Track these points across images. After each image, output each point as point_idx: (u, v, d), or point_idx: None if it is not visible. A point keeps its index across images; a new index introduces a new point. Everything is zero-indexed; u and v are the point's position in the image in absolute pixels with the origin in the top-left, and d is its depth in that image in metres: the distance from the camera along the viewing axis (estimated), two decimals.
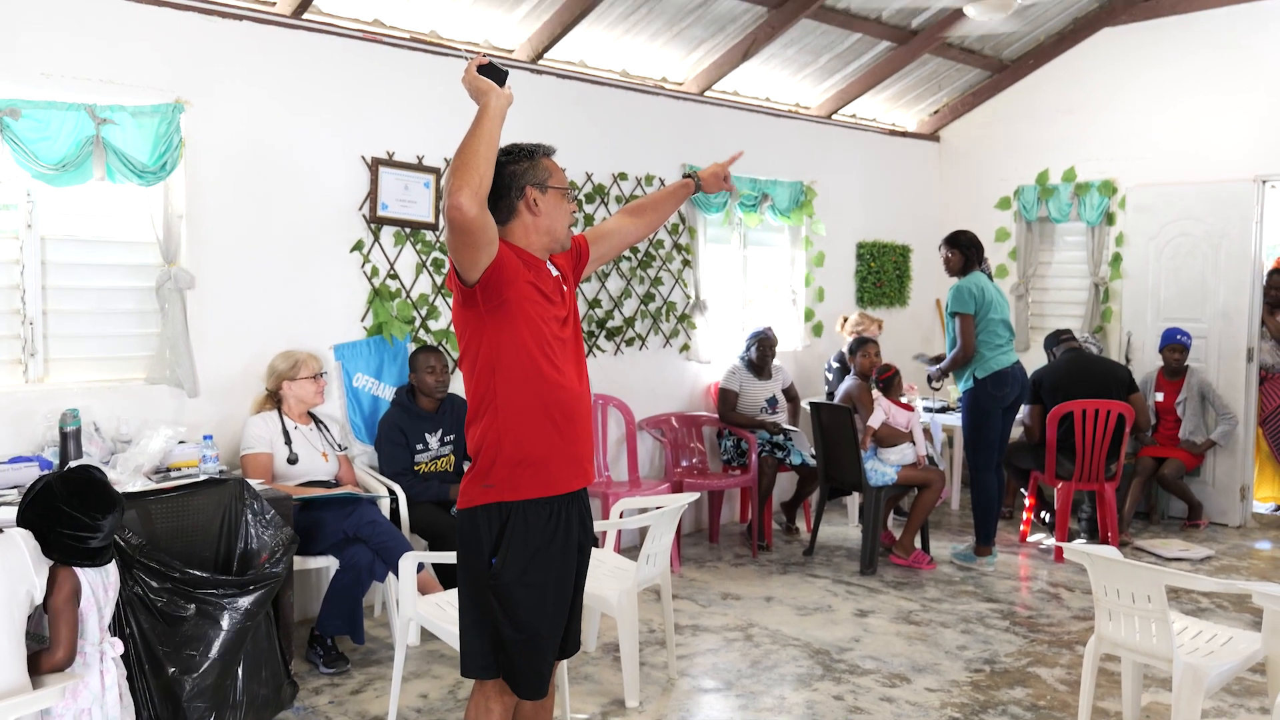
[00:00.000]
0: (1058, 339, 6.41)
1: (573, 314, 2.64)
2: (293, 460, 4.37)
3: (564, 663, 3.43)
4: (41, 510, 2.41)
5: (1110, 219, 7.28)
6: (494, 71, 2.41)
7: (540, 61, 5.60)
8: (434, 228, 5.17)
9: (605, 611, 3.95)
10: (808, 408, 6.29)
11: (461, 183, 2.25)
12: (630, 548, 5.70)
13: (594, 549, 4.36)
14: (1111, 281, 7.30)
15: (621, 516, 4.47)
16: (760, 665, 4.26)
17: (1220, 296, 6.64)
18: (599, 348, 5.98)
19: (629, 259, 6.09)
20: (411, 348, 5.10)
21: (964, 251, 5.70)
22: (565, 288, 2.63)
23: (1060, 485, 5.92)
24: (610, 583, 3.98)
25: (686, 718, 3.77)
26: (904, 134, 8.02)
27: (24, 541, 2.30)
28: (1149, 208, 6.93)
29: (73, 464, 3.76)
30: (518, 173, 2.53)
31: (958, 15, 6.28)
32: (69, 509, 2.41)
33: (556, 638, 2.59)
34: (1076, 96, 7.43)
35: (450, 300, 4.36)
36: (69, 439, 3.85)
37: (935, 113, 8.09)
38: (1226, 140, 6.71)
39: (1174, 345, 6.50)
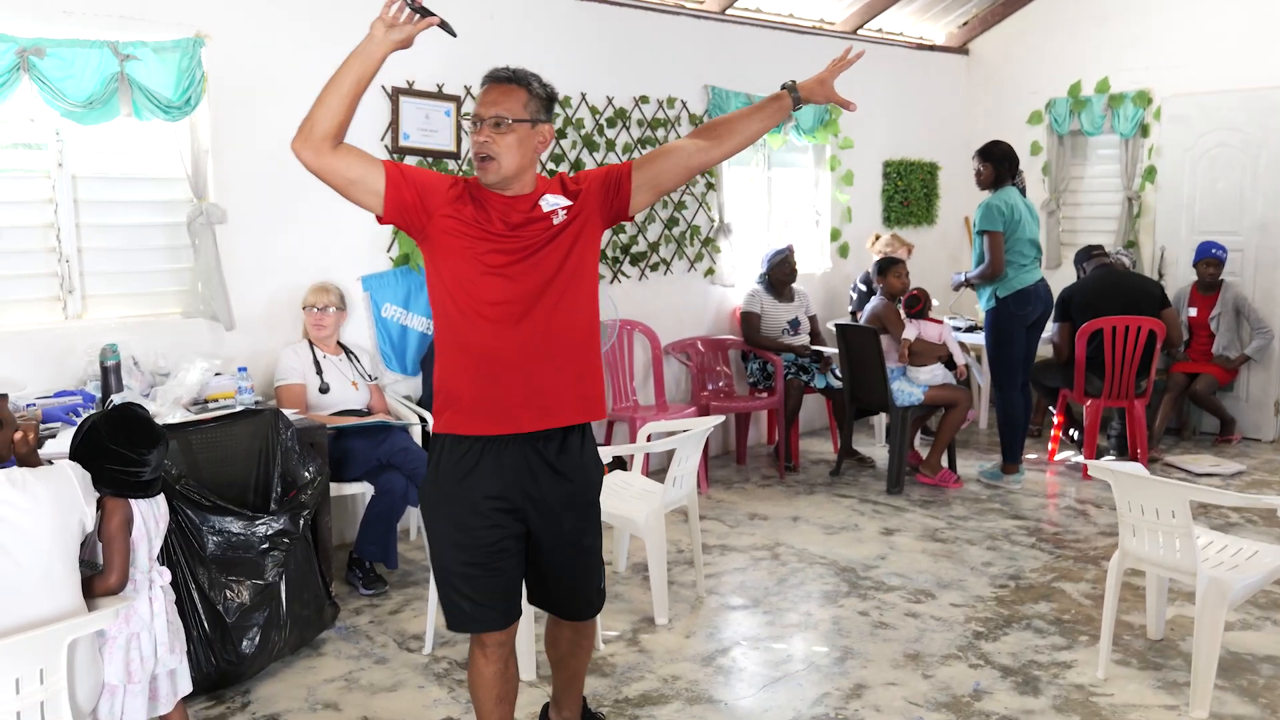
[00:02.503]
0: (1088, 254, 6.33)
1: (552, 249, 2.41)
2: (324, 390, 4.46)
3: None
4: (90, 448, 2.51)
5: (1145, 131, 7.13)
6: (423, 10, 2.25)
7: None
8: (456, 156, 5.17)
9: (633, 533, 4.04)
10: (833, 329, 6.29)
11: (299, 127, 2.23)
12: (658, 470, 5.78)
13: (622, 471, 4.50)
14: (1144, 195, 7.17)
15: (649, 440, 4.53)
16: (787, 583, 4.35)
17: (1258, 208, 6.51)
18: (624, 274, 6.00)
19: None
20: None
21: (996, 165, 5.59)
22: (555, 221, 2.42)
23: (1089, 403, 5.91)
24: (638, 504, 4.06)
25: (715, 633, 3.87)
26: (931, 48, 7.84)
27: (73, 472, 2.40)
28: (1185, 118, 6.77)
29: (114, 398, 3.87)
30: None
31: None
32: (115, 445, 2.50)
33: (473, 582, 2.44)
34: (1110, 4, 7.21)
35: None
36: (109, 373, 3.95)
37: (964, 24, 7.89)
38: (1266, 48, 6.52)
39: (1209, 259, 6.41)
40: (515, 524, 2.47)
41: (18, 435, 2.40)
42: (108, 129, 4.12)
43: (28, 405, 3.77)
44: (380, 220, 2.38)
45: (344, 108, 2.24)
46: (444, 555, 2.47)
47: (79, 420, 3.31)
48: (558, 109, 5.48)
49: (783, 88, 2.62)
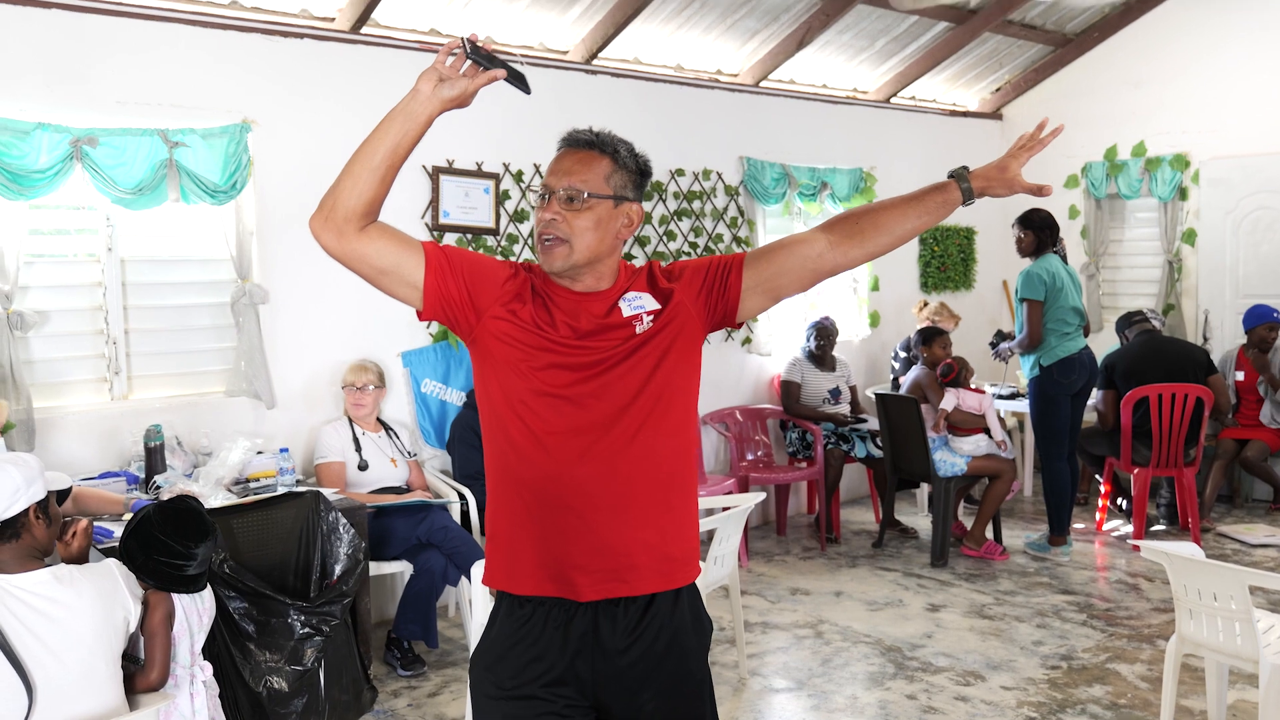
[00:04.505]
0: (1129, 321, 6.23)
1: (634, 365, 1.90)
2: (363, 467, 4.48)
3: None
4: (141, 539, 2.53)
5: (1183, 194, 7.07)
6: (487, 57, 1.84)
7: (594, 61, 5.61)
8: (494, 232, 5.23)
9: None
10: (872, 397, 6.23)
11: (319, 204, 1.83)
12: None
13: None
14: (1184, 258, 7.10)
15: None
16: (831, 663, 4.26)
17: None
18: None
19: (688, 254, 6.09)
20: None
21: (1036, 232, 5.57)
22: (639, 329, 1.91)
23: (1137, 471, 5.79)
24: None
25: (759, 719, 3.79)
26: (965, 114, 7.88)
27: (118, 570, 2.41)
28: (1225, 181, 6.72)
29: (157, 479, 3.91)
30: None
31: None
32: (165, 537, 2.52)
33: None
34: (1145, 69, 7.22)
35: None
36: (153, 454, 3.99)
37: (997, 90, 7.92)
38: None
39: (1271, 323, 6.27)
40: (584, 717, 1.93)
41: (68, 536, 2.41)
42: (156, 214, 4.21)
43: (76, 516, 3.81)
44: (420, 316, 1.94)
45: (376, 181, 1.81)
46: None
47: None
48: None
49: (950, 175, 2.08)
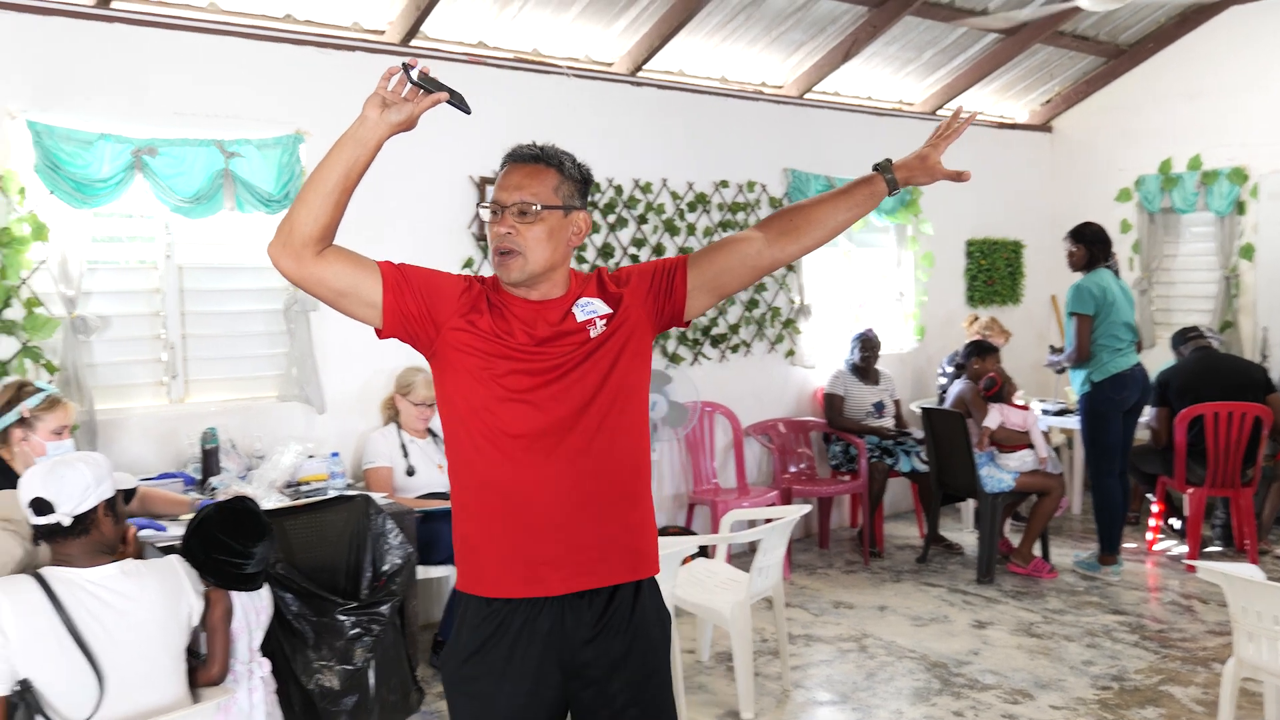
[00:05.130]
0: (1184, 337, 6.10)
1: (589, 368, 1.99)
2: (410, 473, 4.53)
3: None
4: (202, 538, 2.59)
5: (1241, 208, 6.94)
6: (430, 83, 1.87)
7: (639, 73, 5.65)
8: None
9: (718, 623, 3.98)
10: (917, 411, 6.18)
11: (277, 230, 1.87)
12: (738, 555, 5.71)
13: (704, 560, 4.45)
14: (1242, 274, 6.97)
15: (731, 529, 4.48)
16: (876, 678, 4.22)
17: None
18: (704, 355, 6.01)
19: None
20: None
21: (1089, 246, 5.50)
22: (593, 333, 2.01)
23: (1191, 491, 5.68)
24: (722, 594, 4.00)
25: None
26: (1013, 126, 7.81)
27: (181, 566, 2.46)
28: None
29: (212, 480, 3.99)
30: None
31: (1073, 11, 6.00)
32: (225, 537, 2.58)
33: None
34: (1202, 80, 7.10)
35: None
36: (209, 456, 4.08)
37: (1047, 102, 7.84)
38: None
39: None
40: (554, 710, 2.03)
41: (130, 532, 2.48)
42: (212, 222, 4.30)
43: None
44: (380, 334, 2.01)
45: (330, 206, 1.86)
46: None
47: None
48: (639, 195, 5.64)
49: (875, 168, 2.18)
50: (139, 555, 2.53)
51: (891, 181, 2.18)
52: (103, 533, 2.33)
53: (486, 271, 5.09)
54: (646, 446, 2.10)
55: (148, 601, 2.30)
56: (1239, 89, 6.92)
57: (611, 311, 2.04)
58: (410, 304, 1.95)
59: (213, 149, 4.20)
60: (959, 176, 2.22)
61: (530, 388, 1.96)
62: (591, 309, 2.03)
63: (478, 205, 1.87)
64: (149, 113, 4.14)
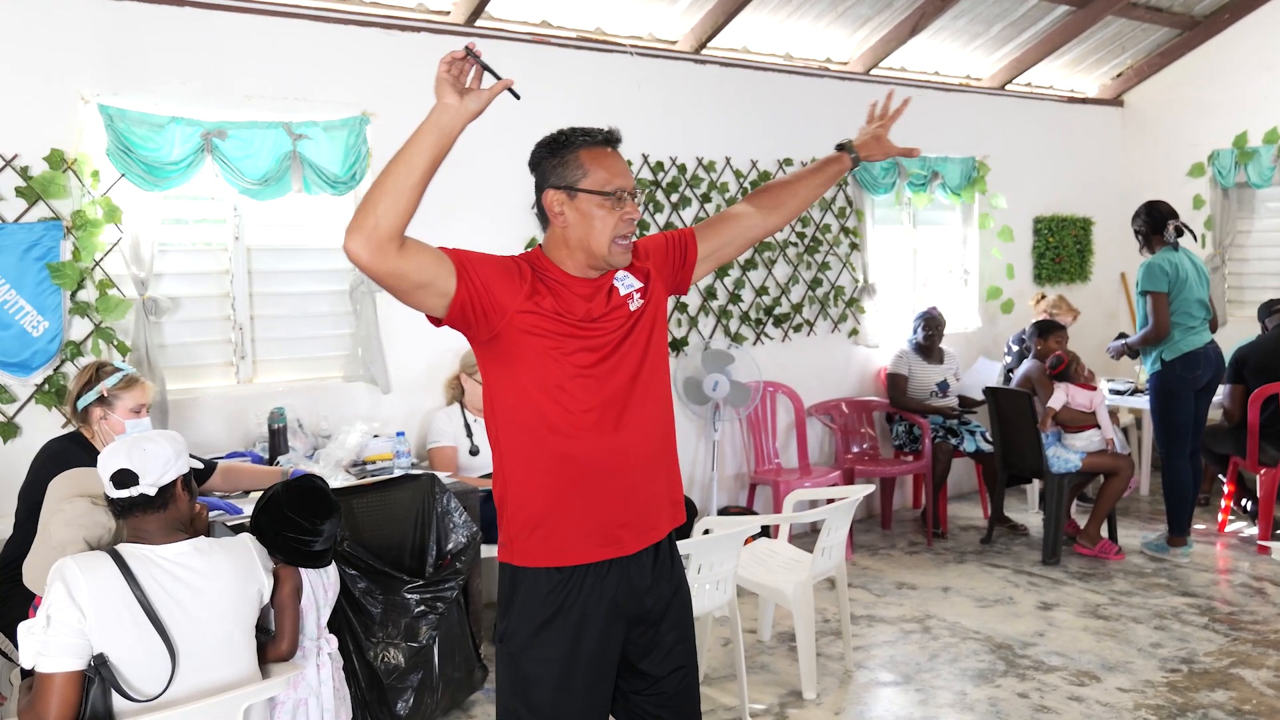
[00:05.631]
0: (1270, 309, 5.87)
1: (634, 340, 2.11)
2: (474, 452, 4.58)
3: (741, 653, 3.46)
4: (271, 515, 2.64)
5: None
6: (492, 72, 1.91)
7: (703, 51, 5.60)
8: None
9: (780, 603, 3.98)
10: (981, 393, 6.09)
11: (355, 223, 1.82)
12: (800, 535, 5.69)
13: (766, 539, 4.44)
14: None
15: (794, 509, 4.47)
16: (939, 659, 4.19)
17: None
18: (767, 335, 5.97)
19: (795, 244, 6.04)
20: None
21: (1147, 225, 5.40)
22: (632, 306, 2.12)
23: (1264, 472, 5.53)
24: (785, 574, 4.00)
25: (865, 711, 3.76)
26: (1084, 100, 7.61)
27: (252, 544, 2.52)
28: None
29: (280, 459, 4.07)
30: (543, 172, 2.09)
31: None
32: (293, 514, 2.63)
33: None
34: (1278, 51, 6.85)
35: None
36: (277, 435, 4.16)
37: (1118, 76, 7.63)
38: None
39: None
40: (617, 657, 2.16)
41: (201, 510, 2.54)
42: (280, 204, 4.37)
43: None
44: (437, 323, 2.01)
45: (416, 197, 1.85)
46: (556, 708, 2.08)
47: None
48: (702, 174, 5.61)
49: (838, 148, 2.49)
50: (209, 533, 2.59)
51: (855, 159, 2.48)
52: (179, 508, 2.39)
53: None
54: (671, 403, 2.25)
55: (220, 578, 2.35)
56: None
57: (643, 285, 2.15)
58: (480, 292, 1.96)
59: (280, 131, 4.26)
60: (909, 152, 2.51)
61: (593, 363, 2.05)
62: (629, 283, 2.13)
63: (608, 192, 2.02)
64: (218, 96, 4.21)
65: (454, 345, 4.79)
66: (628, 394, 2.08)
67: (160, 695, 2.24)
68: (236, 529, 2.80)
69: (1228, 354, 5.70)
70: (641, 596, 2.13)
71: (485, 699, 3.86)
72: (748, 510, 5.65)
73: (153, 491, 2.33)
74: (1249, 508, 6.03)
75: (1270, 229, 7.08)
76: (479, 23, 4.86)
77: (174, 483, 2.38)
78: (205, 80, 4.19)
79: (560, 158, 2.08)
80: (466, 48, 1.87)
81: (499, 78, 1.88)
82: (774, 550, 4.29)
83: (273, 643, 2.58)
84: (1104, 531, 5.52)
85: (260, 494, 2.81)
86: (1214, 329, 5.46)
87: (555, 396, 2.03)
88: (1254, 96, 6.98)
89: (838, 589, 4.17)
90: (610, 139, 2.10)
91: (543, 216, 2.13)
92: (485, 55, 1.89)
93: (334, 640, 2.78)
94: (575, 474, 2.05)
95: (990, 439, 5.83)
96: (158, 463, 2.34)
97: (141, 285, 4.06)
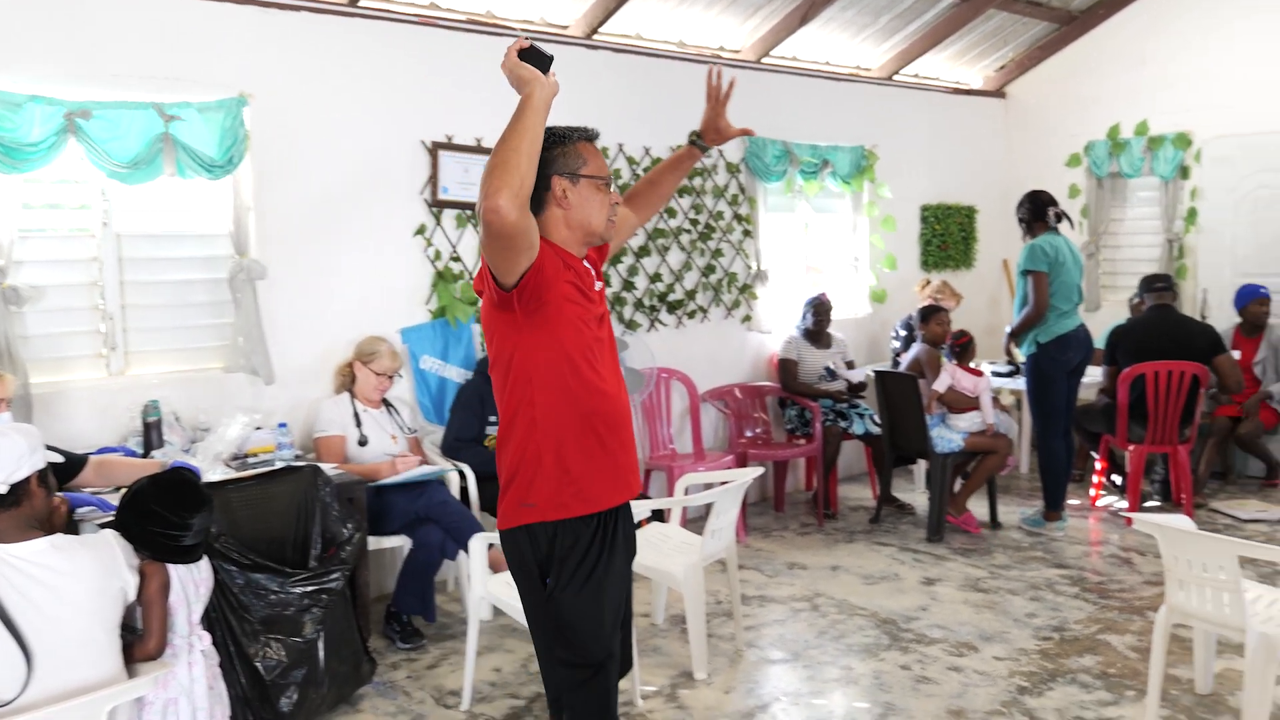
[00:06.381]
0: (1151, 285, 5.97)
1: (605, 311, 2.45)
2: (363, 442, 4.49)
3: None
4: (137, 510, 2.55)
5: (1185, 173, 7.06)
6: (537, 56, 2.17)
7: (595, 36, 5.59)
8: None
9: (672, 585, 4.01)
10: (872, 374, 6.24)
11: (500, 183, 2.01)
12: (695, 520, 5.74)
13: (659, 524, 4.48)
14: (1186, 237, 7.09)
15: (686, 492, 4.51)
16: (827, 635, 4.29)
17: None
18: (660, 321, 6.00)
19: (689, 232, 6.09)
20: (475, 329, 5.19)
21: (1029, 213, 5.60)
22: (599, 284, 2.43)
23: (1133, 448, 5.80)
24: (676, 557, 4.04)
25: (754, 689, 3.82)
26: (968, 92, 7.85)
27: (115, 541, 2.43)
28: (1227, 160, 6.70)
29: (155, 453, 3.93)
30: (546, 161, 2.26)
31: None
32: (160, 509, 2.54)
33: (618, 663, 2.44)
34: (1149, 47, 7.18)
35: None
36: (151, 429, 4.01)
37: (1001, 68, 7.89)
38: None
39: (1261, 299, 6.29)
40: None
41: (56, 501, 2.43)
42: (151, 188, 4.21)
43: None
44: (507, 289, 2.18)
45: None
46: (600, 646, 2.35)
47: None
48: None
49: (689, 140, 2.73)
50: (72, 530, 2.49)
51: (703, 147, 2.72)
52: (34, 505, 2.29)
53: (439, 240, 5.07)
54: None
55: (80, 577, 2.27)
56: (1184, 55, 7.02)
57: (594, 265, 2.43)
58: (546, 259, 2.20)
59: (151, 112, 4.10)
60: (745, 132, 2.73)
61: (599, 330, 2.37)
62: (589, 263, 2.41)
63: (603, 178, 2.35)
64: (83, 74, 4.02)
65: (344, 334, 4.70)
66: (615, 358, 2.42)
67: (15, 700, 2.15)
68: (108, 527, 2.69)
69: (1097, 336, 5.96)
70: (634, 532, 2.51)
71: (375, 693, 3.81)
72: (641, 495, 5.67)
73: (4, 489, 2.23)
74: (1119, 482, 6.32)
75: (1141, 217, 7.41)
76: (363, 3, 4.75)
77: (28, 479, 2.28)
78: (68, 58, 3.99)
79: (564, 148, 2.32)
80: (529, 39, 2.21)
81: (546, 59, 2.19)
82: (666, 534, 4.33)
83: (140, 641, 2.50)
84: (986, 509, 5.73)
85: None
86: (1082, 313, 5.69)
87: (588, 358, 2.30)
88: (1127, 89, 7.30)
89: (728, 570, 4.23)
90: (595, 135, 2.41)
91: (536, 202, 2.27)
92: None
93: (207, 637, 2.70)
94: (601, 428, 2.32)
95: (878, 421, 5.98)
96: (9, 458, 2.24)
97: (1, 273, 3.87)
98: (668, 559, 4.04)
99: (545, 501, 2.30)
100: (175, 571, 2.59)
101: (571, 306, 2.28)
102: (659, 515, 4.92)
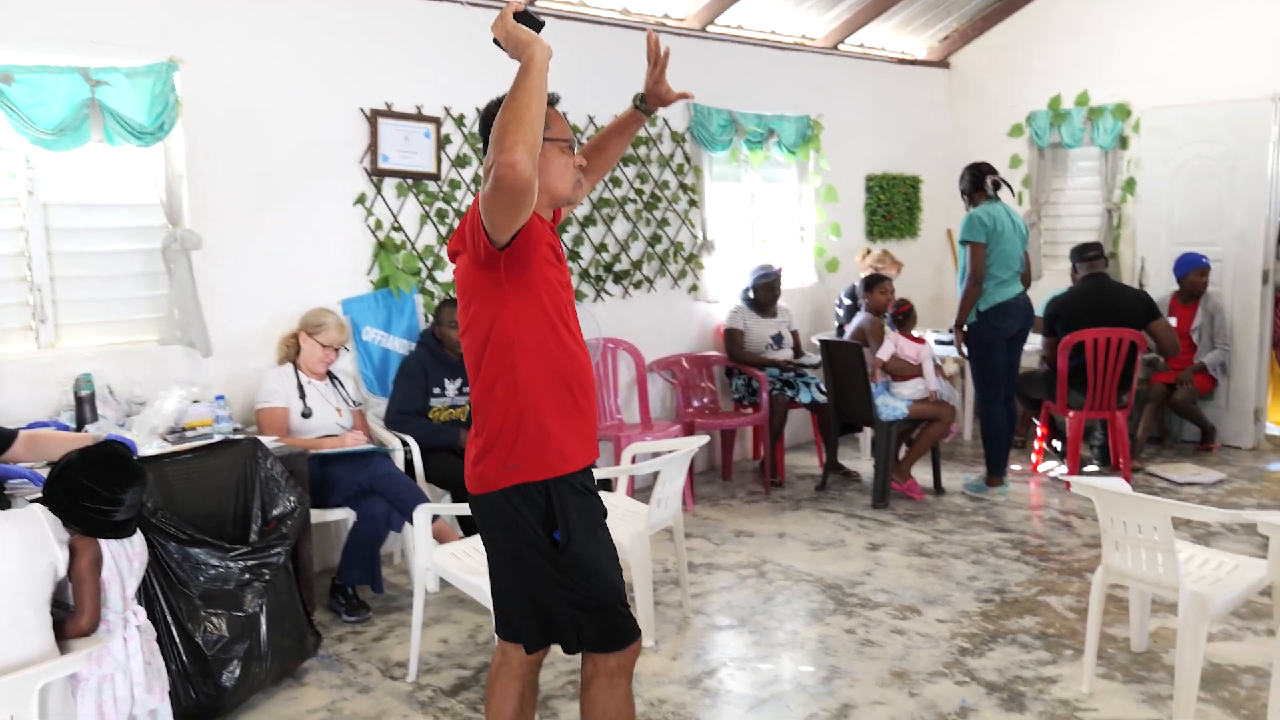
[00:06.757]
0: (1083, 254, 6.07)
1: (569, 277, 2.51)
2: (307, 415, 4.42)
3: None
4: (65, 484, 2.47)
5: (1124, 143, 7.17)
6: (529, 20, 2.19)
7: (538, 3, 5.51)
8: (436, 178, 5.15)
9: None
10: (816, 343, 6.28)
11: (516, 138, 2.04)
12: (643, 489, 5.76)
13: (606, 493, 4.47)
14: (1125, 207, 7.21)
15: (634, 461, 4.51)
16: (773, 601, 4.33)
17: (1236, 220, 6.54)
18: (607, 292, 5.98)
19: (634, 201, 6.05)
20: (418, 300, 5.13)
21: (970, 184, 5.66)
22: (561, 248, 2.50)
23: (1072, 414, 5.92)
24: (623, 526, 4.03)
25: (701, 655, 3.85)
26: (913, 62, 7.88)
27: (44, 515, 2.36)
28: (1165, 130, 6.80)
29: (89, 428, 3.83)
30: None
31: None
32: (90, 483, 2.47)
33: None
34: (1090, 18, 7.26)
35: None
36: (84, 403, 3.91)
37: (945, 39, 7.93)
38: (1244, 60, 6.57)
39: (1201, 269, 6.43)
40: None
41: None
42: (79, 155, 4.08)
43: None
44: (499, 248, 2.20)
45: None
46: (615, 579, 2.47)
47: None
48: None
49: (633, 104, 2.74)
50: (3, 504, 2.42)
51: (646, 110, 2.74)
52: None
53: (380, 209, 4.98)
54: None
55: (6, 554, 2.20)
56: (1122, 26, 7.11)
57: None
58: (535, 218, 2.25)
59: (76, 77, 3.96)
60: (685, 96, 2.72)
61: (569, 293, 2.42)
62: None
63: (567, 140, 2.41)
64: (4, 35, 3.87)
65: (283, 305, 4.61)
66: (578, 322, 2.44)
67: None
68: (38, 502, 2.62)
69: (1039, 306, 6.05)
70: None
71: (320, 665, 3.77)
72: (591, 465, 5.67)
73: None
74: (1060, 448, 6.45)
75: (1081, 187, 7.52)
76: None
77: None
78: None
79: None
80: (524, 6, 2.20)
81: (539, 23, 2.22)
82: (612, 504, 4.29)
83: (72, 618, 2.44)
84: (930, 475, 5.81)
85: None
86: (1026, 284, 5.77)
87: (564, 319, 2.35)
88: (1067, 60, 7.38)
89: (675, 538, 4.25)
90: (557, 99, 2.40)
91: None
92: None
93: (142, 612, 2.65)
94: (576, 388, 2.37)
95: (824, 390, 6.03)
96: None
97: None
98: (614, 528, 4.02)
99: (529, 463, 2.33)
100: (107, 546, 2.53)
101: (550, 268, 2.33)
102: (606, 484, 4.91)
